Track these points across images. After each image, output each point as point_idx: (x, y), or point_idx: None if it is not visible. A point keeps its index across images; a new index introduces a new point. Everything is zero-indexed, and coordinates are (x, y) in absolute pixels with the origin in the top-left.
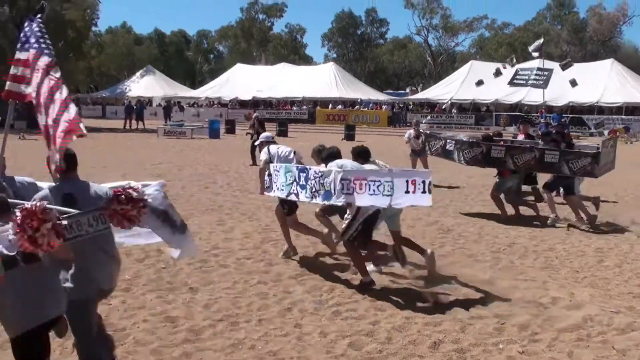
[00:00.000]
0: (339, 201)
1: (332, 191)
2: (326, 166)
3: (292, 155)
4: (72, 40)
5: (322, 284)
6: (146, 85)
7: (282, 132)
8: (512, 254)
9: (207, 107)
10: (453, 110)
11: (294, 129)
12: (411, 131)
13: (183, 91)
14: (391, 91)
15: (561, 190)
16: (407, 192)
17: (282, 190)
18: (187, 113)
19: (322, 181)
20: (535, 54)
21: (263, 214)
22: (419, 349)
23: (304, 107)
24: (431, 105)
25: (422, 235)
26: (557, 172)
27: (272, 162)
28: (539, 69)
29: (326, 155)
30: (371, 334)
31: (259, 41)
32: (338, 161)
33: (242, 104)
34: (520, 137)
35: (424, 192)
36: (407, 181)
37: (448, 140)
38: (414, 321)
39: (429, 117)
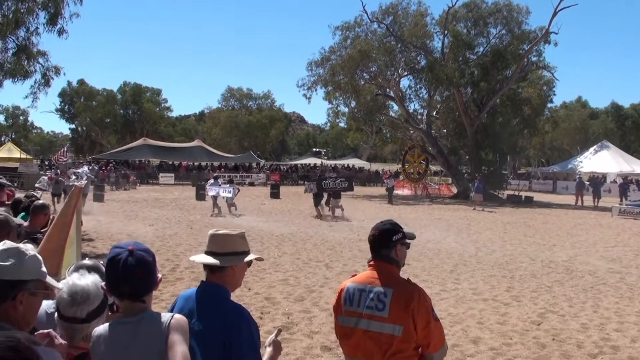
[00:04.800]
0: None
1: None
2: None
3: None
4: (527, 117)
5: None
6: (600, 160)
7: None
8: None
9: None
10: None
11: None
12: None
13: None
14: None
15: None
16: (224, 191)
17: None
18: None
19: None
20: None
21: None
22: None
23: None
24: None
25: None
26: (312, 190)
27: None
28: None
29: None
30: None
31: None
32: (212, 180)
33: None
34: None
35: (227, 192)
36: (224, 189)
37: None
38: None
39: None
